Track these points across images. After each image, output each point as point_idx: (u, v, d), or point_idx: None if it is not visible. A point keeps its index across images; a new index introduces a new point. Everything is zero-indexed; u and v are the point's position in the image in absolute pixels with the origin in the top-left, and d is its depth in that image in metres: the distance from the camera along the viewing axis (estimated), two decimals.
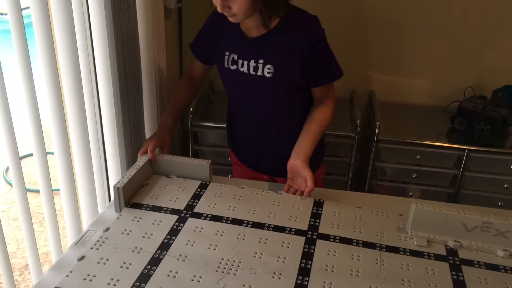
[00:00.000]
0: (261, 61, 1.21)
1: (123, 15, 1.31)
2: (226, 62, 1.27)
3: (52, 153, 1.27)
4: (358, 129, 1.87)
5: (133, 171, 1.19)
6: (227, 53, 1.26)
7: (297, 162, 1.21)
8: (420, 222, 1.05)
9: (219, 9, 1.11)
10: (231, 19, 1.16)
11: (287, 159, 1.24)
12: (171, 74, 1.81)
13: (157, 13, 1.51)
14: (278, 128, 1.35)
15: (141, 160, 1.25)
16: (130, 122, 1.46)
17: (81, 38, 1.25)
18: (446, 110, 2.05)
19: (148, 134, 1.57)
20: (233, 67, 1.26)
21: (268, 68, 1.21)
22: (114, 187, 1.11)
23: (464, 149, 1.82)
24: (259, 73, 1.22)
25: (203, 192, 1.21)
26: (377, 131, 1.87)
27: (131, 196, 1.17)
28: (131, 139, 1.47)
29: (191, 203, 1.16)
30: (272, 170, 1.43)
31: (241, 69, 1.25)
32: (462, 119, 1.91)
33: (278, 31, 1.19)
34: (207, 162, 1.26)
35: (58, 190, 1.32)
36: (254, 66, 1.22)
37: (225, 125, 1.60)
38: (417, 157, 1.87)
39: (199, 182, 1.25)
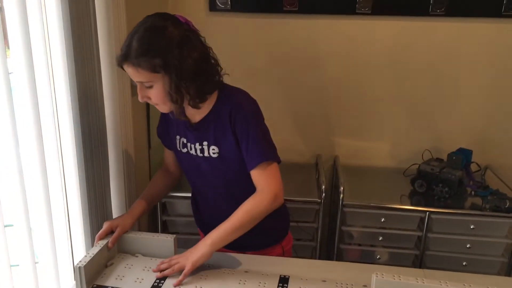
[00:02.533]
0: (205, 143, 1.26)
1: (89, 91, 1.35)
2: (178, 145, 1.33)
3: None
4: (323, 194, 1.92)
5: (96, 249, 1.19)
6: (177, 137, 1.32)
7: (199, 245, 1.21)
8: None
9: (140, 100, 1.17)
10: (160, 109, 1.22)
11: (249, 233, 1.22)
12: (138, 147, 1.84)
13: (123, 91, 1.56)
14: (234, 204, 1.28)
15: (105, 239, 1.25)
16: (96, 197, 1.46)
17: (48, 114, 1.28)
18: (406, 172, 2.13)
19: (114, 208, 1.57)
20: (184, 150, 1.31)
21: (213, 149, 1.26)
22: (76, 266, 1.11)
23: (426, 211, 1.88)
24: (206, 154, 1.27)
25: None
26: (341, 195, 1.92)
27: (95, 277, 1.16)
28: (97, 215, 1.47)
29: (156, 284, 1.15)
30: (237, 245, 1.42)
31: (191, 152, 1.30)
32: (421, 181, 1.98)
33: (214, 112, 1.24)
34: (172, 237, 1.27)
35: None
36: (200, 149, 1.27)
37: None
38: (382, 220, 1.91)
39: None
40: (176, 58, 1.10)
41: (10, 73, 1.08)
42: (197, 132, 1.27)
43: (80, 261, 1.12)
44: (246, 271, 1.23)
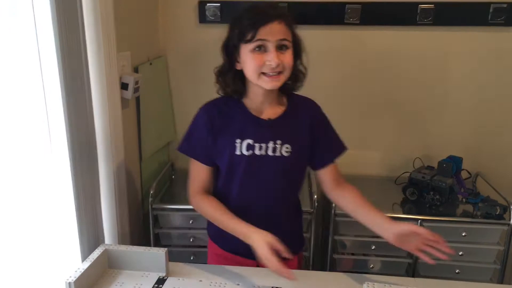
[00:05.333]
0: (279, 141, 1.28)
1: (78, 104, 1.35)
2: (238, 150, 1.27)
3: None
4: (316, 204, 1.92)
5: (86, 264, 1.18)
6: (238, 141, 1.27)
7: (393, 227, 1.24)
8: None
9: (275, 62, 1.16)
10: (272, 82, 1.20)
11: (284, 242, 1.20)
12: (130, 160, 1.84)
13: (113, 104, 1.56)
14: (284, 206, 1.37)
15: (95, 253, 1.24)
16: (86, 213, 1.45)
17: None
18: (398, 180, 2.14)
19: (106, 223, 1.56)
20: (248, 152, 1.27)
21: (287, 148, 1.28)
22: (65, 282, 1.10)
23: (417, 219, 1.88)
24: (278, 153, 1.28)
25: None
26: (333, 205, 1.92)
27: None
28: (88, 231, 1.45)
29: None
30: None
31: (258, 152, 1.27)
32: (413, 189, 1.99)
33: (289, 111, 1.30)
34: (163, 250, 1.26)
35: None
36: (273, 148, 1.27)
37: (187, 206, 1.67)
38: None
39: (157, 276, 1.24)
40: (298, 35, 1.25)
41: None
42: (271, 130, 1.28)
43: (70, 276, 1.12)
44: (238, 284, 1.22)
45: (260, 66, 1.17)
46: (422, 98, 2.19)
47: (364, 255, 1.98)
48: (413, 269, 1.93)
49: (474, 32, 2.08)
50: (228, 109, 1.30)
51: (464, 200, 1.98)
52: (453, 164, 1.95)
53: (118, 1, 1.59)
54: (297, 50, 1.25)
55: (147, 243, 2.02)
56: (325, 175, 1.38)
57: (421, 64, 2.15)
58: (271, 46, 1.16)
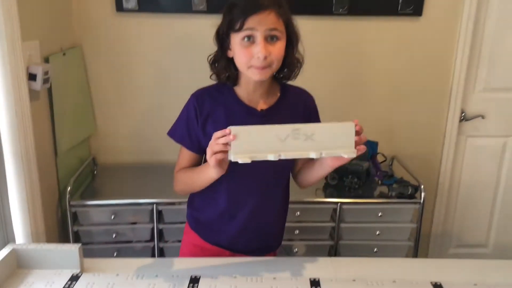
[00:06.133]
0: None
1: None
2: None
3: None
4: None
5: None
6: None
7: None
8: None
9: (263, 54, 1.12)
10: (260, 74, 1.16)
11: (269, 235, 1.39)
12: (42, 154, 1.75)
13: (20, 96, 1.47)
14: (272, 211, 1.36)
15: (2, 253, 1.17)
16: None
17: None
18: None
19: (17, 225, 1.48)
20: None
21: None
22: None
23: (337, 202, 1.96)
24: None
25: (74, 285, 1.15)
26: None
27: None
28: None
29: None
30: (251, 249, 1.38)
31: None
32: (333, 174, 2.06)
33: (282, 101, 1.28)
34: (76, 246, 1.21)
35: None
36: None
37: (111, 201, 1.72)
38: (297, 214, 1.97)
39: (70, 273, 1.19)
40: (294, 23, 1.22)
41: None
42: (262, 119, 1.23)
43: None
44: (156, 276, 1.21)
45: (248, 59, 1.15)
46: (339, 85, 2.27)
47: (288, 240, 2.03)
48: (335, 250, 2.01)
49: (385, 22, 2.18)
50: (219, 95, 1.26)
51: (379, 182, 2.09)
52: (369, 148, 2.05)
53: None
54: (292, 39, 1.21)
55: (66, 242, 1.93)
56: (300, 161, 1.36)
57: (337, 52, 2.22)
58: (259, 36, 1.13)
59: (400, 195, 1.98)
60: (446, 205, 2.49)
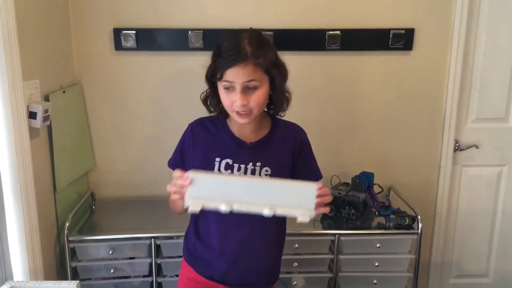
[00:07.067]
0: (258, 164, 1.28)
1: None
2: (216, 168, 1.28)
3: None
4: None
5: None
6: (217, 159, 1.29)
7: None
8: None
9: (240, 103, 1.18)
10: (242, 119, 1.23)
11: (262, 269, 1.38)
12: (41, 191, 1.76)
13: (20, 134, 1.51)
14: (265, 244, 1.37)
15: None
16: None
17: None
18: None
19: (15, 262, 1.48)
20: (226, 172, 1.28)
21: (266, 170, 1.28)
22: None
23: (335, 234, 1.96)
24: (256, 175, 1.28)
25: None
26: None
27: None
28: None
29: None
30: (245, 283, 1.38)
31: (236, 173, 1.28)
32: (330, 205, 2.07)
33: (272, 134, 1.32)
34: (74, 283, 1.22)
35: None
36: (252, 169, 1.28)
37: (109, 236, 1.70)
38: (295, 246, 1.97)
39: None
40: (280, 63, 1.27)
41: None
42: (252, 152, 1.29)
43: None
44: None
45: (231, 104, 1.22)
46: (334, 119, 2.31)
47: (287, 273, 2.02)
48: (334, 282, 2.00)
49: (377, 56, 2.24)
50: (213, 126, 1.34)
51: (377, 213, 2.09)
52: (364, 179, 2.07)
53: (23, 28, 1.55)
54: (274, 82, 1.25)
55: (64, 278, 1.93)
56: None
57: (331, 87, 2.27)
58: (238, 87, 1.20)
59: (398, 226, 1.98)
60: (444, 235, 2.48)
